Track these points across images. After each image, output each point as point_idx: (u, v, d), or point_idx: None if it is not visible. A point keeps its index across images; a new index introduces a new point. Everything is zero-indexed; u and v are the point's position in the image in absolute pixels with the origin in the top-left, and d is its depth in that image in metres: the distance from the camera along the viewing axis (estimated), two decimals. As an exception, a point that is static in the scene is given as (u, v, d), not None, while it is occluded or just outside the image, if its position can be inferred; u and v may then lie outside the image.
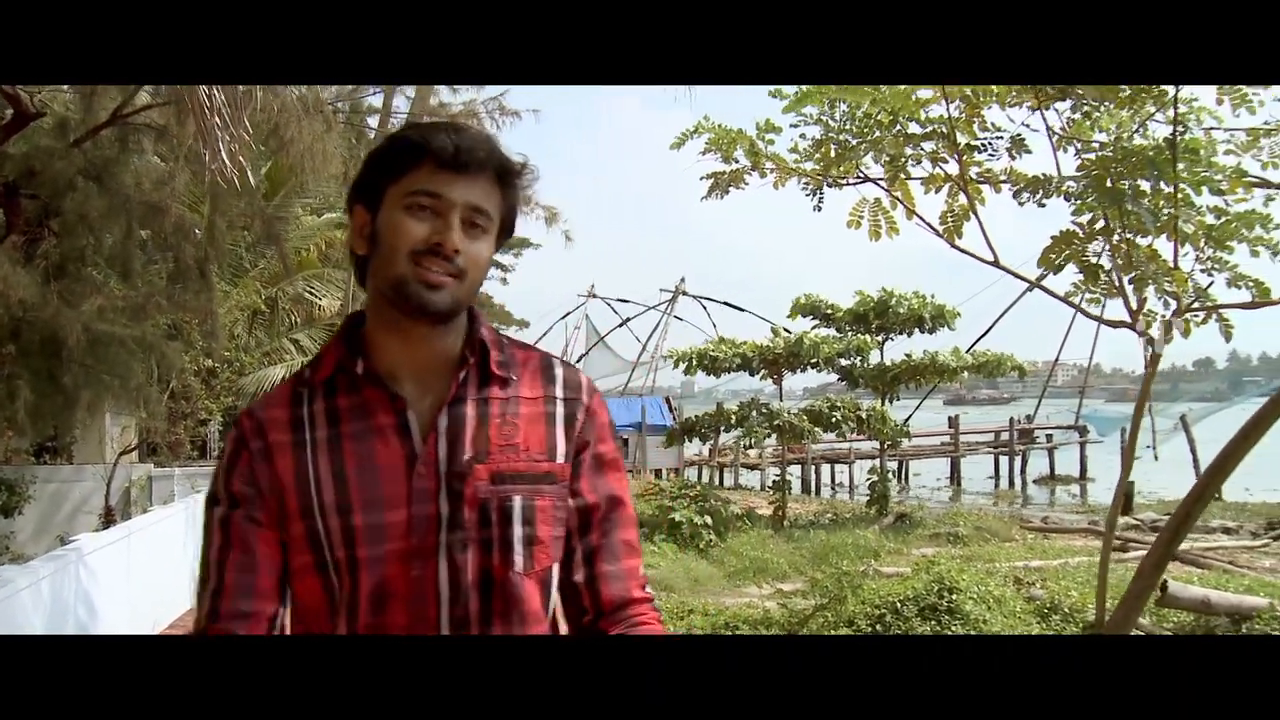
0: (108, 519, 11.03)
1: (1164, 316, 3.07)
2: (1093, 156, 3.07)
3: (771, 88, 3.76)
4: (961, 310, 16.48)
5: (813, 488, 25.84)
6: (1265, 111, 3.37)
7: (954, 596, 7.30)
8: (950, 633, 6.82)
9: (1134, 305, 3.15)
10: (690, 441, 18.97)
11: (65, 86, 10.08)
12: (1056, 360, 32.01)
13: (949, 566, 8.04)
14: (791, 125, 3.65)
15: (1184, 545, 12.17)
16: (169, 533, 8.27)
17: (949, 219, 3.57)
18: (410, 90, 14.80)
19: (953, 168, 3.48)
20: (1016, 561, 10.69)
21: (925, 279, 20.84)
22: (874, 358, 16.25)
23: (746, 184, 3.89)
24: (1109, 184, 2.89)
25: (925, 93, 3.26)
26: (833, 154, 3.57)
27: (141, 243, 9.95)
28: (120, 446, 13.17)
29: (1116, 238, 3.08)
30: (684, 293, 37.32)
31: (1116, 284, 3.12)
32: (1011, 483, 28.63)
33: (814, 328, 16.39)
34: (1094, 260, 3.19)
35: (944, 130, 3.35)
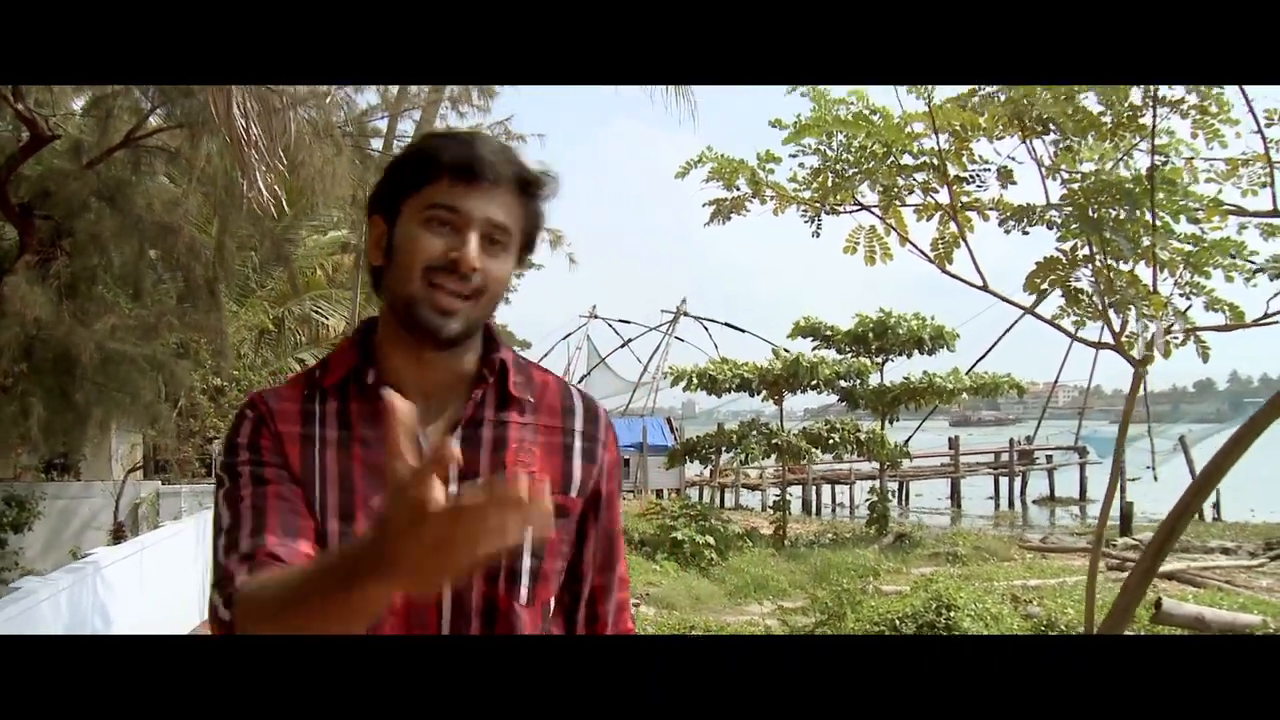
0: (118, 534, 11.16)
1: (1145, 339, 3.23)
2: (1076, 187, 3.25)
3: (771, 118, 3.96)
4: (961, 332, 16.63)
5: (813, 508, 25.90)
6: (1242, 142, 3.55)
7: (952, 614, 7.44)
8: (947, 648, 6.92)
9: (1116, 328, 3.32)
10: (691, 462, 19.05)
11: (78, 109, 10.31)
12: (1056, 381, 32.12)
13: (947, 584, 8.18)
14: (791, 155, 3.85)
15: (1182, 565, 12.30)
16: (180, 548, 8.42)
17: (940, 245, 3.75)
18: (416, 114, 15.00)
19: (943, 197, 3.66)
20: (1014, 580, 10.80)
21: (924, 299, 20.99)
22: (873, 379, 16.39)
23: (748, 210, 4.07)
24: (1091, 213, 3.07)
25: (917, 126, 3.45)
26: (830, 183, 3.75)
27: (151, 263, 10.09)
28: (127, 464, 13.30)
29: (1098, 263, 3.25)
30: (685, 313, 37.45)
31: (1100, 308, 3.29)
32: (1011, 503, 28.67)
33: (814, 349, 16.54)
34: (1076, 285, 3.36)
35: (934, 162, 3.54)
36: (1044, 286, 3.37)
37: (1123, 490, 21.20)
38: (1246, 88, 3.38)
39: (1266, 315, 3.15)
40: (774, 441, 15.38)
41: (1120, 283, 3.17)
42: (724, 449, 17.22)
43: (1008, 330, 24.67)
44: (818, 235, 3.93)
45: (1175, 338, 3.23)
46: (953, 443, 29.24)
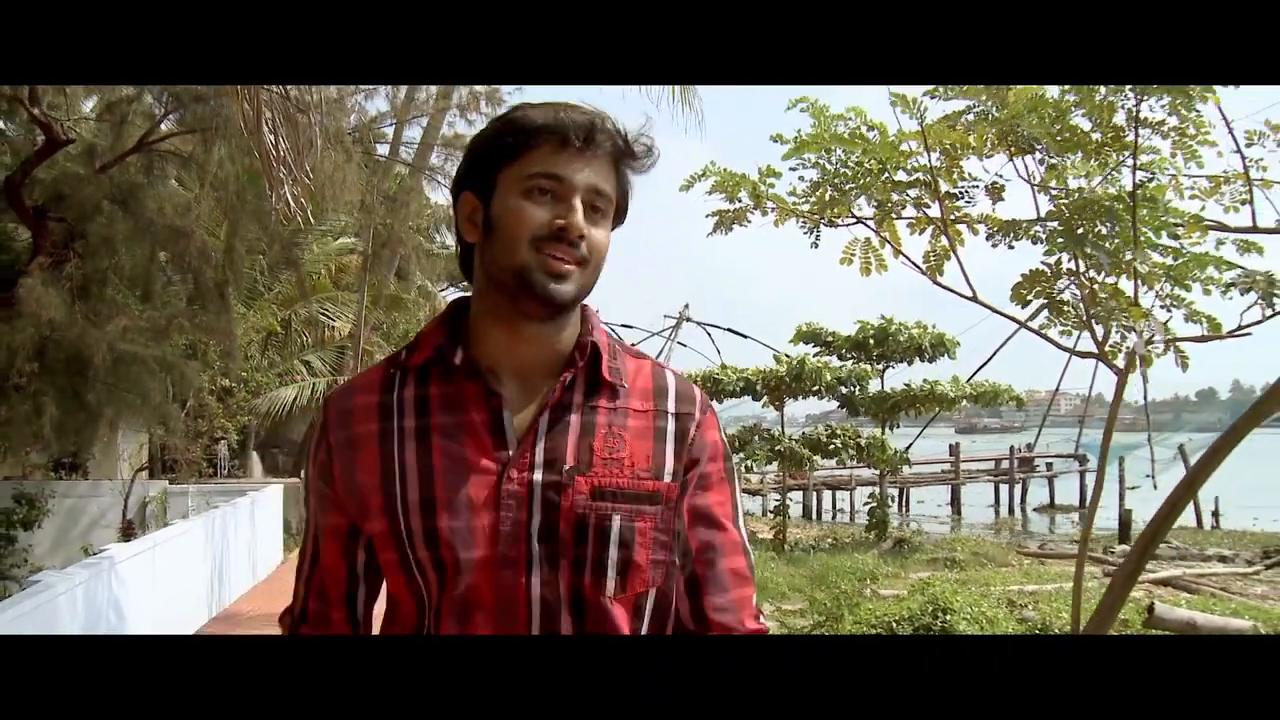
0: (128, 532, 11.31)
1: (1127, 348, 3.38)
2: (1062, 203, 3.41)
3: (772, 133, 4.12)
4: (961, 340, 16.75)
5: (813, 513, 26.01)
6: (1224, 161, 3.71)
7: (948, 617, 7.54)
8: (942, 650, 7.02)
9: (1099, 337, 3.47)
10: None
11: (92, 114, 10.47)
12: (1057, 390, 32.22)
13: (944, 588, 8.29)
14: (791, 169, 4.02)
15: (1177, 572, 12.41)
16: (189, 546, 8.55)
17: (931, 258, 3.91)
18: (424, 120, 15.17)
19: (935, 212, 3.82)
20: (1011, 585, 10.88)
21: (921, 307, 21.06)
22: (874, 385, 16.51)
23: (750, 221, 4.23)
24: (1077, 229, 3.22)
25: (911, 144, 3.61)
26: (828, 197, 3.91)
27: (162, 266, 10.23)
28: (135, 463, 13.47)
29: (1082, 277, 3.40)
30: (688, 319, 37.51)
31: (1084, 318, 3.44)
32: (1012, 510, 28.73)
33: (816, 354, 16.65)
34: (1060, 297, 3.52)
35: (927, 179, 3.70)
36: (1030, 298, 3.52)
37: (1121, 498, 21.33)
38: (1227, 110, 3.53)
39: (1240, 327, 3.31)
40: (776, 448, 15.51)
41: (1103, 294, 3.33)
42: (726, 453, 17.27)
43: (1007, 340, 24.79)
44: (816, 246, 4.10)
45: (1156, 348, 3.38)
46: (953, 449, 29.30)
